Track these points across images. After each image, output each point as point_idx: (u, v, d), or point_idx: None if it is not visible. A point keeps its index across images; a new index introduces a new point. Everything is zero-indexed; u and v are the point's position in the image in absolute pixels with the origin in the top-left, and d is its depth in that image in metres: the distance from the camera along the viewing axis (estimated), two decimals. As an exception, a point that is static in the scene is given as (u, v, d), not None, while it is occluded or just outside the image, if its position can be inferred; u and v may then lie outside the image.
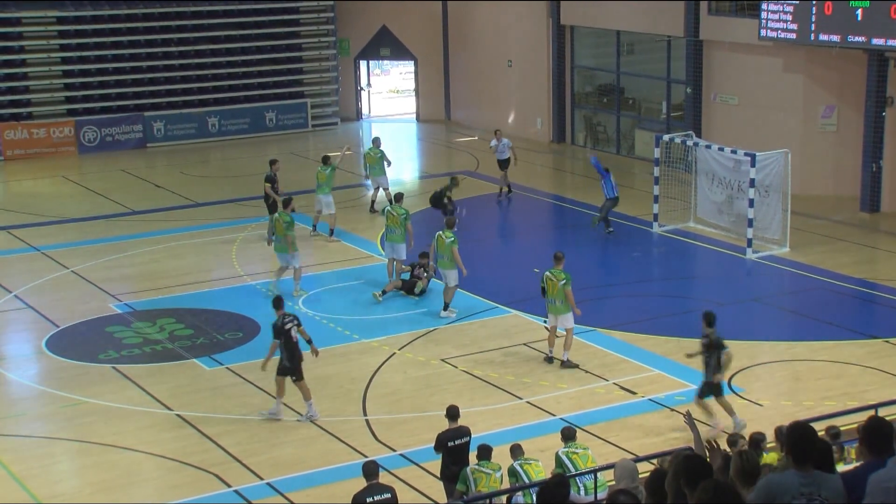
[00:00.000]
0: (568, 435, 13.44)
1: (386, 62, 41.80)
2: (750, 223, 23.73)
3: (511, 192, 29.19)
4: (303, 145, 35.94)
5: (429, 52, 39.76)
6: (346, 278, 23.00)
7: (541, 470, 12.79)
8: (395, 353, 19.04)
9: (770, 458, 11.46)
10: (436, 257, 20.92)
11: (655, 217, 25.83)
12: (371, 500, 11.90)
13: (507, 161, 28.81)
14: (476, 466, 12.97)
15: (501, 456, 13.31)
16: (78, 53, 35.69)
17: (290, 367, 16.39)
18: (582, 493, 12.53)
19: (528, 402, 17.03)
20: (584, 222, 26.70)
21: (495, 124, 35.92)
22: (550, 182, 32.11)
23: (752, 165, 23.47)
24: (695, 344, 18.71)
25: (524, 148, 34.43)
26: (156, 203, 29.15)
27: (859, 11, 24.90)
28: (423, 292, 21.76)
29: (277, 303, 16.78)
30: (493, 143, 29.05)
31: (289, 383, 16.57)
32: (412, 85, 40.93)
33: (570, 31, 35.10)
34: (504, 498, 12.85)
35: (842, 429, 12.77)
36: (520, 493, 12.65)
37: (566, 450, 13.16)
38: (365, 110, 41.01)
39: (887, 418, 10.65)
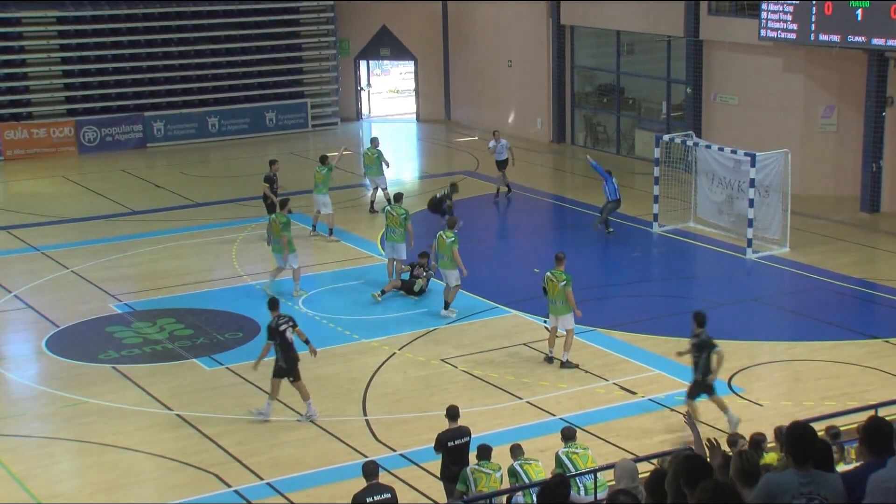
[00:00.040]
0: (568, 435, 13.44)
1: (386, 62, 41.81)
2: (750, 223, 23.73)
3: (511, 192, 29.18)
4: (303, 145, 35.94)
5: (429, 52, 39.77)
6: (346, 278, 23.00)
7: (541, 470, 12.79)
8: (395, 353, 19.05)
9: (770, 458, 11.46)
10: (437, 257, 20.92)
11: (655, 217, 25.84)
12: (371, 500, 11.90)
13: (506, 162, 28.80)
14: (476, 466, 12.97)
15: (501, 456, 13.31)
16: (78, 53, 35.70)
17: (286, 368, 16.38)
18: (582, 493, 12.53)
19: (528, 402, 17.03)
20: (584, 222, 26.70)
21: (495, 124, 35.93)
22: (550, 182, 32.12)
23: (752, 165, 23.47)
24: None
25: (524, 148, 34.47)
26: (156, 203, 29.15)
27: (859, 11, 24.90)
28: (422, 291, 21.76)
29: (272, 304, 16.77)
30: (492, 143, 29.04)
31: (287, 385, 16.56)
32: (412, 85, 40.94)
33: (570, 31, 35.10)
34: (504, 498, 12.85)
35: (842, 429, 12.77)
36: (520, 493, 12.64)
37: (566, 450, 13.16)
38: (365, 110, 41.01)
39: (887, 418, 10.65)
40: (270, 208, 24.28)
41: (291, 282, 21.87)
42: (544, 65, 35.70)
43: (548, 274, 18.27)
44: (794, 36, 26.55)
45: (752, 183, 23.49)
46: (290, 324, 16.46)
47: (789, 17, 26.49)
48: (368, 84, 41.13)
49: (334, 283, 22.83)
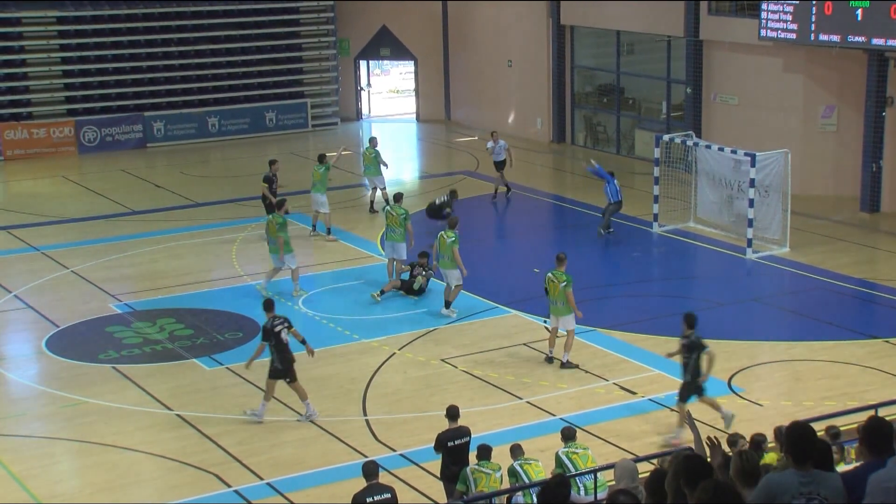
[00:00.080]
0: (568, 435, 13.44)
1: (386, 62, 41.81)
2: (750, 223, 23.73)
3: (510, 192, 29.16)
4: (303, 145, 35.94)
5: (429, 52, 39.77)
6: (346, 278, 23.00)
7: (541, 470, 12.79)
8: (395, 353, 19.05)
9: (770, 458, 11.46)
10: (437, 257, 20.92)
11: (655, 217, 25.84)
12: (371, 500, 11.89)
13: (504, 163, 28.78)
14: (476, 466, 12.97)
15: (501, 456, 13.31)
16: (78, 53, 35.70)
17: (282, 369, 16.37)
18: (582, 493, 12.53)
19: (528, 402, 17.03)
20: (584, 222, 26.71)
21: (495, 124, 35.93)
22: (550, 182, 32.12)
23: (752, 165, 23.47)
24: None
25: (524, 148, 34.47)
26: (156, 203, 29.15)
27: (859, 11, 24.90)
28: (421, 290, 21.75)
29: (268, 305, 16.75)
30: (490, 144, 29.02)
31: (284, 385, 16.56)
32: (412, 85, 40.94)
33: (570, 31, 35.10)
34: (504, 498, 12.84)
35: (842, 429, 12.77)
36: (520, 493, 12.64)
37: (566, 450, 13.16)
38: (365, 110, 41.01)
39: (887, 418, 10.66)
40: (269, 208, 24.28)
41: (290, 282, 21.87)
42: (544, 65, 35.70)
43: (549, 275, 18.27)
44: (794, 36, 26.56)
45: (752, 183, 23.49)
46: (286, 325, 16.45)
47: (789, 17, 26.49)
48: (368, 84, 41.13)
49: (334, 283, 22.83)
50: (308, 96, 38.59)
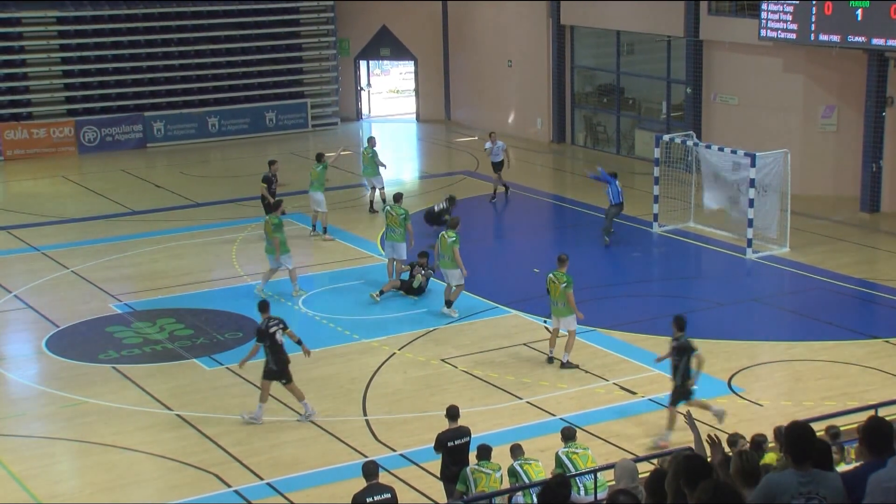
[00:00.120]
0: (568, 435, 13.44)
1: (386, 62, 41.81)
2: (750, 223, 23.72)
3: (509, 191, 29.13)
4: (303, 145, 35.93)
5: (429, 52, 39.77)
6: (346, 278, 23.00)
7: (541, 470, 12.79)
8: (395, 353, 19.05)
9: (769, 457, 11.46)
10: (438, 257, 20.92)
11: (655, 217, 25.84)
12: (371, 500, 11.89)
13: (501, 163, 28.75)
14: (476, 466, 12.97)
15: (501, 456, 13.31)
16: (78, 53, 35.70)
17: (277, 370, 16.35)
18: (582, 493, 12.53)
19: (528, 402, 17.03)
20: (584, 222, 26.72)
21: (495, 124, 35.93)
22: (550, 182, 32.12)
23: (753, 165, 23.46)
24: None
25: (524, 148, 34.49)
26: (156, 203, 29.16)
27: (859, 11, 24.90)
28: (421, 290, 21.74)
29: (263, 306, 16.73)
30: (488, 145, 28.99)
31: (279, 387, 16.55)
32: (412, 85, 40.94)
33: (570, 31, 35.10)
34: (504, 498, 12.84)
35: (842, 429, 12.76)
36: (520, 493, 12.64)
37: (566, 450, 13.16)
38: (365, 110, 41.02)
39: (887, 418, 10.66)
40: (268, 208, 24.29)
41: (289, 283, 21.86)
42: (544, 65, 35.71)
43: (550, 275, 18.28)
44: (794, 36, 26.56)
45: (752, 183, 23.48)
46: (281, 326, 16.44)
47: (789, 17, 26.49)
48: (368, 84, 41.14)
49: (334, 283, 22.83)
50: (308, 96, 38.59)
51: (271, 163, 25.94)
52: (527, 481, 12.57)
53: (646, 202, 26.41)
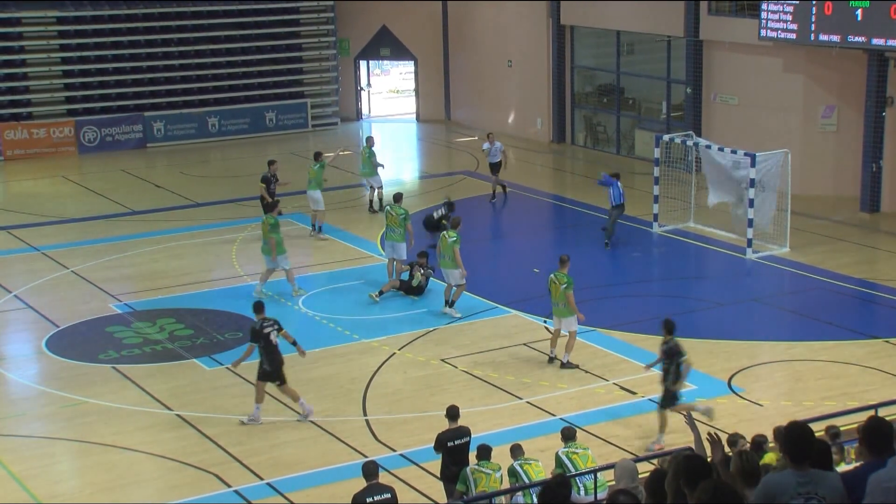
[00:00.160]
0: (568, 435, 13.44)
1: (386, 62, 41.81)
2: (750, 223, 23.72)
3: (507, 190, 29.08)
4: (303, 145, 35.92)
5: (429, 52, 39.77)
6: (346, 278, 23.00)
7: (541, 470, 12.79)
8: (395, 353, 19.05)
9: (769, 458, 11.45)
10: (439, 256, 20.91)
11: (655, 217, 25.83)
12: (371, 500, 11.89)
13: (499, 164, 28.71)
14: (476, 466, 12.97)
15: (501, 456, 13.31)
16: (78, 53, 35.70)
17: (271, 371, 16.34)
18: (582, 493, 12.53)
19: (528, 403, 17.03)
20: (584, 222, 26.73)
21: (495, 124, 35.97)
22: (550, 182, 32.11)
23: (752, 165, 23.45)
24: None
25: (524, 148, 34.50)
26: (156, 203, 29.16)
27: (859, 11, 24.90)
28: (421, 289, 21.73)
29: (258, 307, 16.71)
30: (486, 146, 28.99)
31: (277, 388, 16.55)
32: (412, 85, 40.94)
33: (570, 31, 35.10)
34: (504, 498, 12.84)
35: (842, 429, 12.76)
36: (520, 493, 12.64)
37: (566, 450, 13.16)
38: (365, 110, 41.02)
39: (887, 418, 10.66)
40: (266, 209, 24.28)
41: (279, 284, 21.81)
42: (544, 65, 35.70)
43: (551, 276, 18.29)
44: (794, 36, 26.56)
45: (751, 183, 23.48)
46: (275, 327, 16.44)
47: (789, 17, 26.49)
48: (368, 84, 41.14)
49: (334, 283, 22.83)
50: (308, 96, 38.60)
51: (270, 163, 25.95)
52: (527, 481, 12.57)
53: (646, 202, 26.41)
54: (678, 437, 15.43)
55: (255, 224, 26.08)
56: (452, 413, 13.80)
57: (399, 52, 40.17)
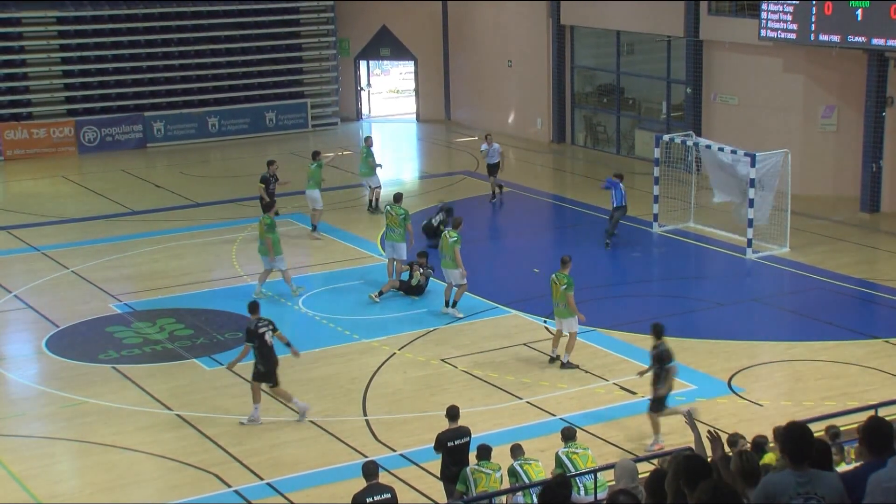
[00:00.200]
0: (568, 435, 13.44)
1: (386, 62, 41.81)
2: (750, 223, 23.72)
3: (503, 190, 28.98)
4: (303, 145, 35.92)
5: (429, 52, 39.77)
6: (346, 278, 22.99)
7: (541, 470, 12.79)
8: (395, 353, 19.04)
9: (769, 458, 11.46)
10: (440, 256, 20.91)
11: (655, 217, 25.83)
12: (371, 500, 11.89)
13: (497, 165, 28.68)
14: (476, 466, 12.97)
15: (501, 456, 13.31)
16: (78, 53, 35.70)
17: (265, 371, 16.31)
18: (582, 493, 12.53)
19: (528, 403, 17.03)
20: (584, 222, 26.72)
21: (495, 124, 35.99)
22: (550, 182, 32.11)
23: (753, 165, 23.45)
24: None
25: (524, 148, 34.51)
26: (156, 203, 29.16)
27: (859, 11, 24.90)
28: (420, 289, 21.72)
29: (253, 307, 16.69)
30: (484, 147, 28.99)
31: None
32: (412, 85, 40.94)
33: (570, 31, 35.10)
34: (504, 498, 12.84)
35: (842, 429, 12.76)
36: (520, 493, 12.64)
37: (566, 450, 13.16)
38: (365, 110, 41.02)
39: (887, 418, 10.66)
40: (265, 209, 24.29)
41: (280, 284, 21.80)
42: (544, 65, 35.70)
43: (552, 276, 18.29)
44: (794, 36, 26.56)
45: (751, 183, 23.47)
46: (270, 327, 16.43)
47: (789, 17, 26.49)
48: (368, 84, 41.14)
49: (334, 283, 22.83)
50: (308, 96, 38.60)
51: (270, 163, 25.96)
52: (527, 481, 12.57)
53: (646, 202, 26.41)
54: (678, 437, 15.44)
55: (255, 224, 26.08)
56: (452, 413, 13.80)
57: (399, 52, 40.17)
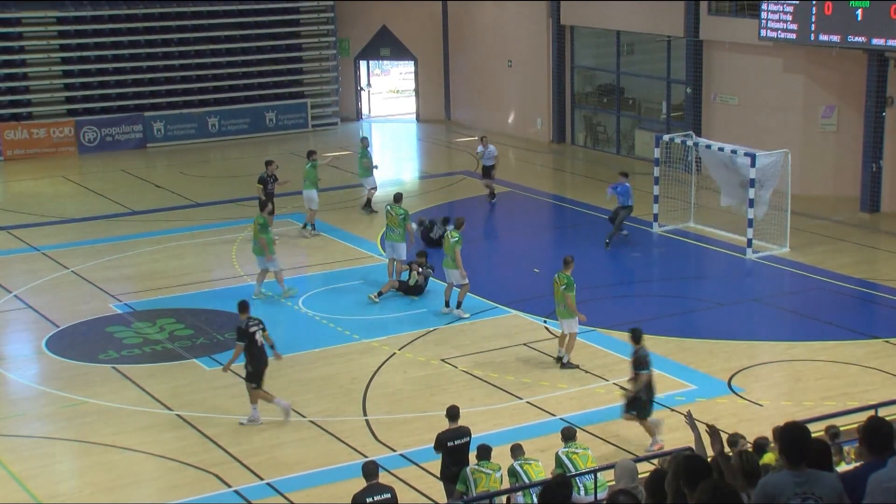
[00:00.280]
0: (568, 435, 13.44)
1: (386, 62, 41.81)
2: (750, 223, 23.72)
3: (493, 194, 28.78)
4: (303, 145, 35.80)
5: (429, 52, 39.77)
6: (346, 278, 22.99)
7: (541, 470, 12.79)
8: (395, 353, 19.04)
9: (769, 458, 11.46)
10: (442, 256, 20.90)
11: (655, 217, 25.83)
12: (371, 500, 11.89)
13: (492, 168, 28.63)
14: (476, 466, 12.97)
15: (501, 456, 13.31)
16: (78, 53, 35.70)
17: (253, 371, 16.27)
18: (582, 493, 12.53)
19: (528, 403, 17.03)
20: (583, 222, 26.73)
21: (495, 124, 36.01)
22: (550, 182, 32.11)
23: (753, 165, 23.44)
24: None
25: (524, 148, 34.51)
26: (156, 203, 29.16)
27: (859, 11, 24.90)
28: (419, 289, 21.71)
29: (243, 307, 16.67)
30: (480, 149, 28.98)
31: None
32: (412, 85, 40.94)
33: (570, 31, 35.10)
34: (504, 498, 12.84)
35: (842, 429, 12.76)
36: (520, 493, 12.64)
37: (566, 450, 13.16)
38: (365, 110, 41.02)
39: (887, 418, 10.66)
40: (260, 208, 24.28)
41: (285, 281, 21.81)
42: (544, 65, 35.70)
43: (554, 276, 18.30)
44: (794, 36, 26.56)
45: (751, 183, 23.47)
46: (260, 327, 16.41)
47: (789, 17, 26.49)
48: (368, 84, 41.14)
49: (334, 283, 22.83)
50: (308, 96, 38.60)
51: (268, 163, 25.93)
52: (527, 481, 12.57)
53: (646, 202, 26.40)
54: (678, 437, 15.43)
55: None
56: (452, 413, 13.80)
57: (399, 52, 40.17)
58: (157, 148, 35.88)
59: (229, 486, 14.66)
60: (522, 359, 18.72)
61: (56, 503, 14.52)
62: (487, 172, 28.71)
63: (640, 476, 10.39)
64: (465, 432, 13.66)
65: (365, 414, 16.78)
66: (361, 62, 40.72)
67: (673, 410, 16.42)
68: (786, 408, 16.54)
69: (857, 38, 25.14)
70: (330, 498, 14.15)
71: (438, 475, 13.80)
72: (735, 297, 21.68)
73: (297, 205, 27.19)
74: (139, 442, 15.99)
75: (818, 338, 19.57)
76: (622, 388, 15.82)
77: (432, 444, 13.68)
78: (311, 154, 26.30)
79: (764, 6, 27.09)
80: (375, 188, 27.66)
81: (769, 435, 12.86)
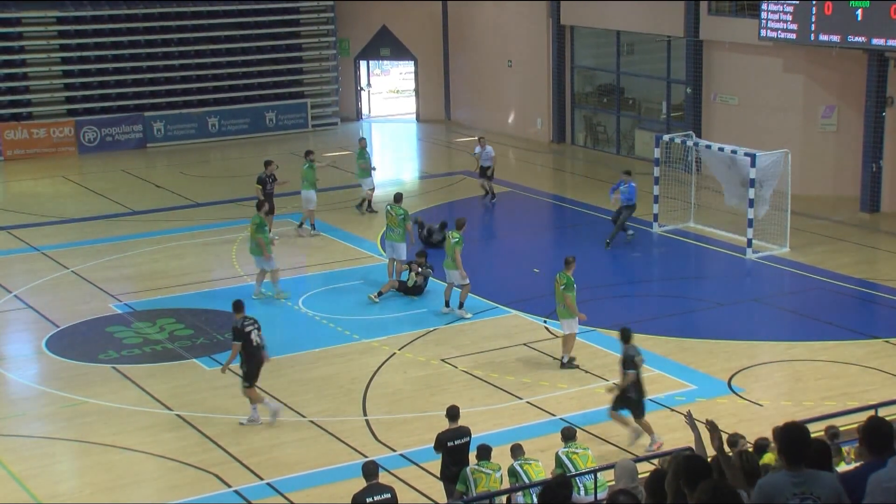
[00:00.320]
0: (568, 435, 13.44)
1: (386, 62, 41.81)
2: (750, 223, 23.72)
3: (491, 197, 28.69)
4: (303, 145, 35.76)
5: (429, 52, 39.77)
6: (346, 278, 22.99)
7: (541, 470, 12.79)
8: (395, 353, 19.04)
9: (768, 457, 11.46)
10: (443, 256, 20.90)
11: (655, 217, 25.83)
12: (371, 500, 11.88)
13: (489, 169, 28.58)
14: (476, 466, 12.96)
15: (501, 456, 13.31)
16: (78, 53, 35.71)
17: (248, 371, 16.27)
18: (582, 493, 12.53)
19: (528, 402, 17.03)
20: (583, 222, 26.73)
21: (495, 124, 36.02)
22: (550, 182, 32.11)
23: (753, 165, 23.44)
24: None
25: (524, 148, 34.51)
26: (156, 203, 29.16)
27: (859, 11, 24.90)
28: (419, 289, 21.71)
29: (237, 306, 16.61)
30: (477, 149, 28.97)
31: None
32: (412, 85, 40.94)
33: (570, 31, 35.10)
34: (504, 498, 12.84)
35: (841, 429, 12.76)
36: (520, 493, 12.64)
37: (566, 450, 13.16)
38: (365, 110, 41.02)
39: (887, 418, 10.66)
40: (257, 208, 24.25)
41: (287, 285, 21.79)
42: (544, 65, 35.70)
43: (556, 276, 18.30)
44: (794, 36, 26.56)
45: (751, 183, 23.47)
46: (256, 326, 16.40)
47: (789, 17, 26.49)
48: (368, 84, 41.14)
49: (334, 283, 22.83)
50: (308, 96, 38.60)
51: (267, 163, 25.91)
52: (527, 481, 12.57)
53: (646, 202, 26.37)
54: (678, 437, 15.43)
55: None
56: (452, 413, 13.80)
57: (399, 52, 40.17)
58: (157, 148, 35.88)
59: (229, 486, 14.67)
60: (522, 359, 18.72)
61: (56, 503, 14.52)
62: (484, 173, 28.71)
63: (640, 476, 10.40)
64: (465, 432, 13.66)
65: (365, 414, 16.78)
66: (361, 62, 40.72)
67: (673, 410, 16.43)
68: (786, 408, 16.54)
69: (857, 38, 25.14)
70: (330, 498, 14.15)
71: (438, 475, 13.80)
72: (735, 297, 21.68)
73: (296, 205, 27.18)
74: (139, 442, 15.99)
75: (818, 338, 19.57)
76: (609, 387, 15.77)
77: (432, 444, 13.68)
78: (308, 154, 26.30)
79: (764, 6, 27.09)
80: (373, 189, 27.66)
81: (769, 435, 12.89)
